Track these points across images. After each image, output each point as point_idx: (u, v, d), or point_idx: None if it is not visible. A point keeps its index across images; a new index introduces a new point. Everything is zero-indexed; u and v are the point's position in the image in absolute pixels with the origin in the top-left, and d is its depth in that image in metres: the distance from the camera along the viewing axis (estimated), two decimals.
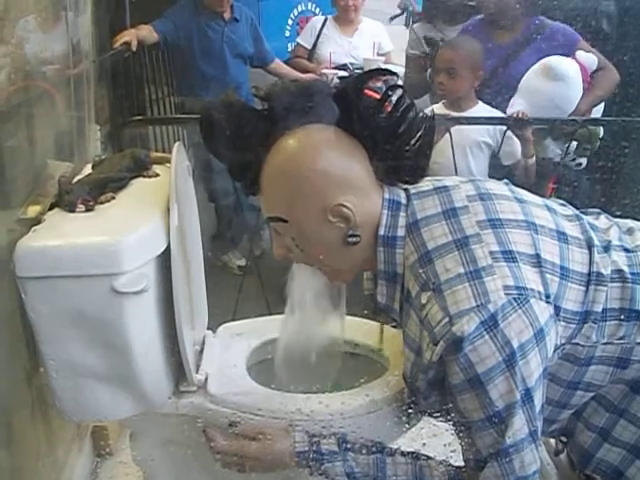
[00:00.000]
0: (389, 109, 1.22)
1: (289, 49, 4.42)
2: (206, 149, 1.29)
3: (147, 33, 3.23)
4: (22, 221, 1.45)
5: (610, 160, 2.67)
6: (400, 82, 1.25)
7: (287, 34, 5.06)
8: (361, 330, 1.65)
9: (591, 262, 1.23)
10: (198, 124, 1.27)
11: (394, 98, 1.21)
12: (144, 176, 1.63)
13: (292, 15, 5.14)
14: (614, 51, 2.94)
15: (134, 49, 2.93)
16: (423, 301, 1.19)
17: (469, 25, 3.04)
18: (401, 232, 1.24)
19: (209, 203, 3.55)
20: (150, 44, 3.34)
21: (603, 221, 1.36)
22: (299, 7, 5.10)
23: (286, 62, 3.84)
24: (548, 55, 2.68)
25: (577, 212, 1.33)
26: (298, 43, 3.96)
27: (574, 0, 3.11)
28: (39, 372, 1.47)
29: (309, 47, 3.85)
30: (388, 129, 1.22)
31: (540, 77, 2.64)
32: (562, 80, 2.63)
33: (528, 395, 1.14)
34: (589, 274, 1.22)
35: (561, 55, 2.69)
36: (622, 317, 1.22)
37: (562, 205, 1.35)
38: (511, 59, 2.75)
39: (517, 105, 2.59)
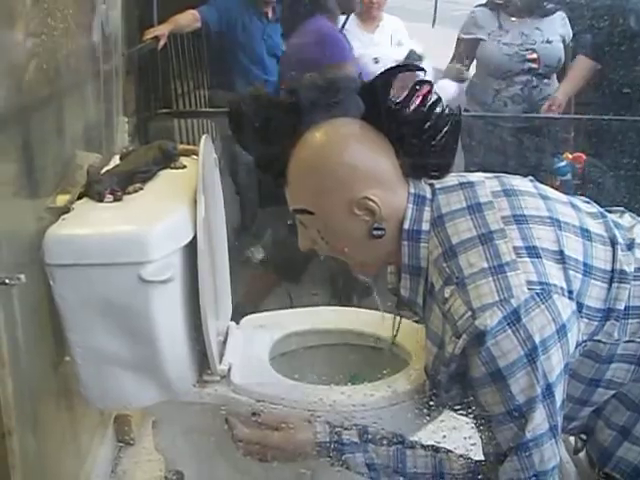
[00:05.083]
0: (416, 104, 1.22)
1: None
2: (234, 141, 1.31)
3: (191, 18, 3.23)
4: (51, 210, 1.47)
5: (635, 157, 2.66)
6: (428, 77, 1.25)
7: None
8: (383, 323, 1.66)
9: (614, 260, 1.23)
10: (227, 117, 1.29)
11: (422, 93, 1.22)
12: (171, 168, 1.65)
13: None
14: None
15: (160, 46, 2.94)
16: (446, 295, 1.19)
17: None
18: (426, 226, 1.25)
19: (235, 196, 3.57)
20: (191, 31, 3.35)
21: (627, 219, 1.36)
22: None
23: None
24: None
25: (601, 210, 1.33)
26: None
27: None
28: (65, 360, 1.49)
29: None
30: (415, 124, 1.23)
31: None
32: None
33: (549, 390, 1.14)
34: (612, 271, 1.22)
35: None
36: None
37: (586, 203, 1.35)
38: None
39: None
